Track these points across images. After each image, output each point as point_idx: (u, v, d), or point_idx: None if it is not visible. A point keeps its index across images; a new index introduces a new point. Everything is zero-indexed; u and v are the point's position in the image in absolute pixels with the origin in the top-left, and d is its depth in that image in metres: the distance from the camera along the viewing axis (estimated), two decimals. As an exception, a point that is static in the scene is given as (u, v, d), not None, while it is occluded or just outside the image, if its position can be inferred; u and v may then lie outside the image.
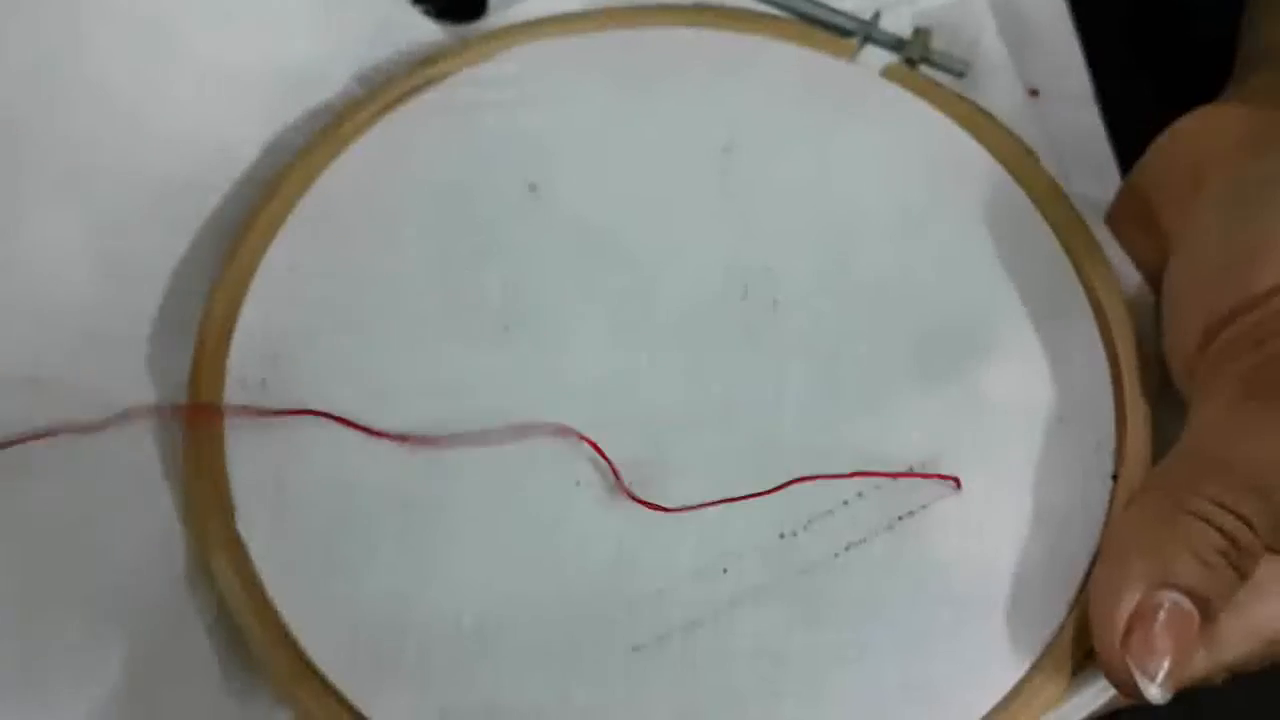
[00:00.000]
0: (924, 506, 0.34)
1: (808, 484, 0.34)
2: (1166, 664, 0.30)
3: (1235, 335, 0.32)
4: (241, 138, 0.39)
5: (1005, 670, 0.32)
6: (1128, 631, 0.30)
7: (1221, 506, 0.31)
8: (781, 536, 0.34)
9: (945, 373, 0.35)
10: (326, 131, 0.39)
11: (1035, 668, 0.32)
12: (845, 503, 0.34)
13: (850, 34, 0.42)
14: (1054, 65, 0.45)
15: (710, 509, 0.34)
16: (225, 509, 0.34)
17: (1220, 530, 0.31)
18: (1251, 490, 0.31)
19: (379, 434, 0.35)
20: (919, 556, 0.33)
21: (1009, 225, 0.38)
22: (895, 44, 0.42)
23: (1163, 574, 0.31)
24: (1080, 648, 0.32)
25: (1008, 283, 0.37)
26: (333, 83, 0.41)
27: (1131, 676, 0.30)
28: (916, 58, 0.41)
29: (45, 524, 0.33)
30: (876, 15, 0.42)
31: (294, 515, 0.34)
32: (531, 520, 0.34)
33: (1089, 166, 0.44)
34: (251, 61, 0.40)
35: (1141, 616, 0.30)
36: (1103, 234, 0.38)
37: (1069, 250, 0.37)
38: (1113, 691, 0.32)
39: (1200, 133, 0.37)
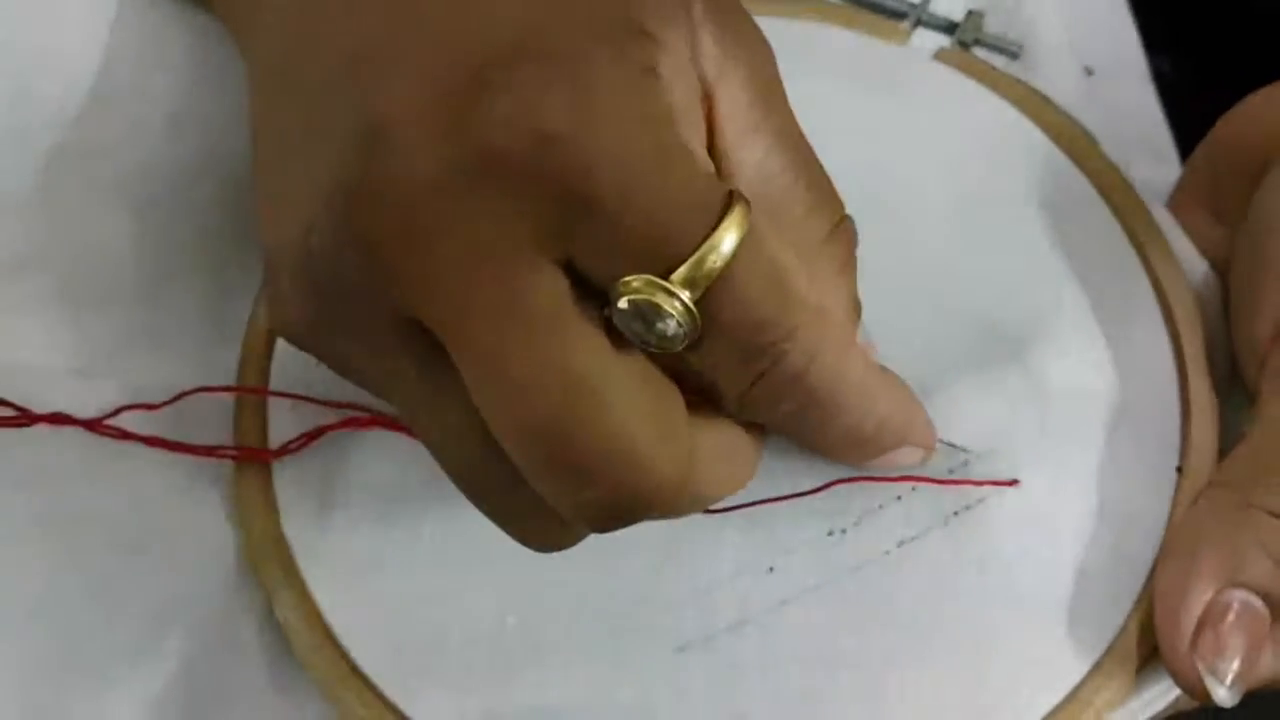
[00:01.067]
0: (980, 500, 0.33)
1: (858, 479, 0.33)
2: (1236, 665, 0.29)
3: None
4: None
5: (1066, 669, 0.31)
6: (1196, 632, 0.29)
7: None
8: (830, 534, 0.33)
9: (1005, 361, 0.34)
10: None
11: (1097, 666, 0.31)
12: (898, 498, 0.33)
13: (901, 17, 0.41)
14: (1109, 44, 0.44)
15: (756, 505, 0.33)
16: (271, 508, 0.33)
17: (1292, 526, 0.29)
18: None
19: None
20: (975, 551, 0.32)
21: (1070, 211, 0.36)
22: (948, 27, 0.41)
23: (1233, 572, 0.30)
24: (1145, 646, 0.31)
25: (1069, 270, 0.35)
26: None
27: (1199, 678, 0.29)
28: (970, 40, 0.40)
29: (97, 518, 0.33)
30: (927, -2, 0.41)
31: (339, 514, 0.33)
32: None
33: (1146, 148, 0.43)
34: None
35: (1210, 616, 0.29)
36: (1165, 220, 0.37)
37: (1132, 237, 0.36)
38: (1178, 692, 0.31)
39: (1269, 110, 0.36)
